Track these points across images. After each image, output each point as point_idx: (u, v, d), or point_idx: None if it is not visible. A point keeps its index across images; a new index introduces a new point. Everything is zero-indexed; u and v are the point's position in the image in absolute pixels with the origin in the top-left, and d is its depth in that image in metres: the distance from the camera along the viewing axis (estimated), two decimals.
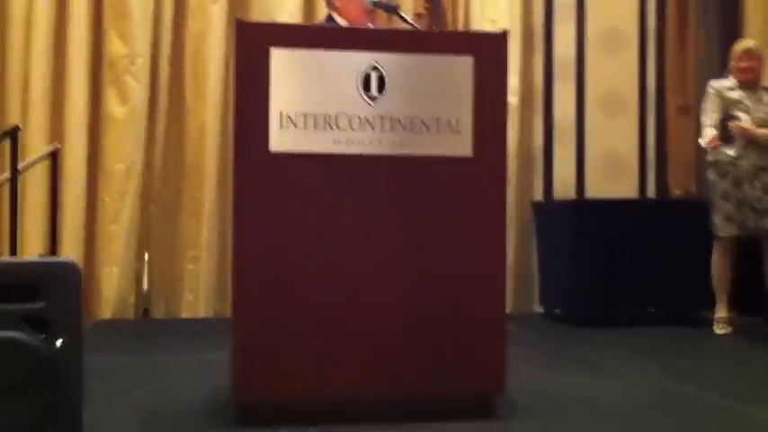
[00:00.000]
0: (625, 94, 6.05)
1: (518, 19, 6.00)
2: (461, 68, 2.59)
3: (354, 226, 2.56)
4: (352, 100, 2.55)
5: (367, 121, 2.55)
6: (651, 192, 6.05)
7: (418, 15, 5.89)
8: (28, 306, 2.19)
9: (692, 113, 5.74)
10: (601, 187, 5.92)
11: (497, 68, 2.62)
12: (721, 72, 5.06)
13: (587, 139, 5.94)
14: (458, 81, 2.59)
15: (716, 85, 4.80)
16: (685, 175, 5.99)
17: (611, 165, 6.04)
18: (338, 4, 3.32)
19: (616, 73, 6.02)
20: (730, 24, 5.90)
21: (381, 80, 2.55)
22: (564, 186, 5.95)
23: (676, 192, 5.98)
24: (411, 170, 2.59)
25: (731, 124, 4.62)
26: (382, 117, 2.56)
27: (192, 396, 2.98)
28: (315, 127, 2.53)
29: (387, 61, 2.55)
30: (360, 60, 2.54)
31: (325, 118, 2.54)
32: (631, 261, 5.21)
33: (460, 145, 2.59)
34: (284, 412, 2.48)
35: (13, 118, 5.17)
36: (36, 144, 5.15)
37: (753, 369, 3.84)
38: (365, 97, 2.55)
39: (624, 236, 5.25)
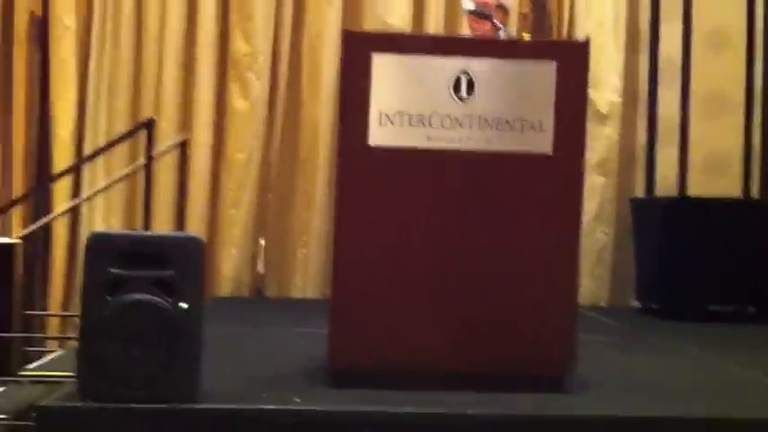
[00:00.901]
0: (730, 94, 6.06)
1: (623, 19, 6.10)
2: (545, 73, 2.82)
3: (443, 214, 2.83)
4: (444, 101, 2.82)
5: (457, 120, 2.83)
6: (755, 192, 6.05)
7: (524, 15, 6.09)
8: (159, 273, 2.57)
9: None
10: (704, 187, 5.94)
11: (578, 74, 2.85)
12: None
13: (691, 139, 5.99)
14: (541, 85, 2.82)
15: None
16: None
17: (715, 164, 6.08)
18: None
19: (722, 73, 6.04)
20: None
21: (470, 83, 2.81)
22: (666, 184, 6.01)
23: None
24: (497, 165, 2.84)
25: None
26: (471, 116, 2.82)
27: (293, 361, 3.33)
28: (410, 124, 2.82)
29: (476, 66, 2.82)
30: (451, 65, 2.81)
31: (419, 117, 2.82)
32: (730, 259, 5.23)
33: (542, 143, 2.83)
34: (370, 377, 2.78)
35: (148, 110, 5.69)
36: (168, 134, 5.62)
37: None
38: (456, 98, 2.82)
39: (724, 234, 5.26)
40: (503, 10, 3.55)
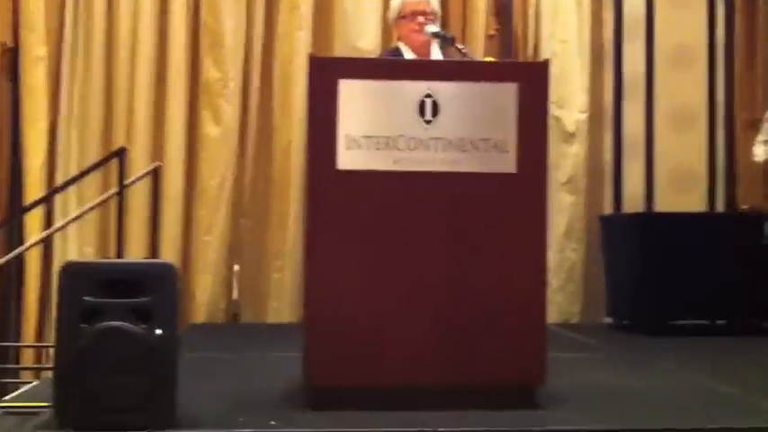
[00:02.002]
0: (694, 109, 6.22)
1: (587, 37, 6.22)
2: (507, 94, 2.90)
3: (411, 234, 2.89)
4: (410, 124, 2.89)
5: (423, 142, 2.89)
6: (720, 206, 6.18)
7: (491, 37, 6.21)
8: (134, 300, 2.60)
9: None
10: (670, 201, 6.08)
11: (540, 93, 2.93)
12: None
13: (656, 154, 6.11)
14: (504, 106, 2.90)
15: None
16: (754, 189, 6.08)
17: (680, 179, 6.20)
18: (403, 34, 3.67)
19: (685, 88, 6.20)
20: None
21: (435, 106, 2.89)
22: (633, 200, 6.13)
23: (744, 206, 6.07)
24: (462, 185, 2.91)
25: None
26: (436, 138, 2.89)
27: (270, 384, 3.36)
28: (377, 148, 2.88)
29: (439, 89, 2.89)
30: (416, 88, 2.88)
31: (386, 140, 2.89)
32: (700, 273, 5.30)
33: (506, 162, 2.90)
34: (345, 397, 2.83)
35: (120, 138, 5.72)
36: (140, 161, 5.66)
37: None
38: (421, 121, 2.89)
39: (692, 248, 5.33)
40: (437, 19, 3.65)
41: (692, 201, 6.13)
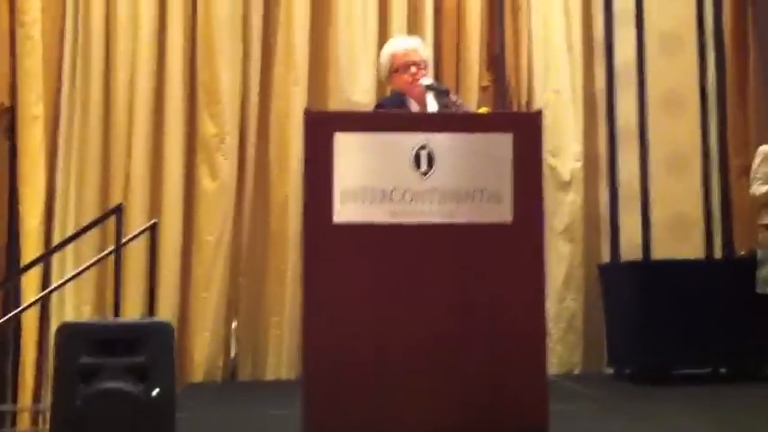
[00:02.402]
0: (688, 155, 6.24)
1: (580, 87, 6.28)
2: (502, 144, 2.92)
3: (409, 286, 2.88)
4: (405, 176, 2.90)
5: (419, 194, 2.90)
6: (718, 252, 6.17)
7: (484, 88, 6.27)
8: (130, 359, 2.59)
9: None
10: (668, 248, 6.06)
11: (533, 143, 2.95)
12: None
13: (652, 201, 6.12)
14: (499, 156, 2.92)
15: None
16: (749, 235, 6.07)
17: (677, 226, 6.20)
18: (400, 88, 3.69)
19: (678, 135, 6.23)
20: None
21: (430, 157, 2.90)
22: (631, 248, 6.11)
23: (741, 252, 6.07)
24: (458, 236, 2.91)
25: None
26: (432, 190, 2.90)
27: None
28: (372, 201, 2.89)
29: (434, 140, 2.90)
30: (410, 140, 2.90)
31: (382, 192, 2.90)
32: (700, 321, 5.28)
33: (502, 213, 2.90)
34: None
35: (117, 194, 5.72)
36: (137, 218, 5.65)
37: None
38: (417, 173, 2.90)
39: (691, 296, 5.32)
40: (427, 67, 3.69)
41: (690, 247, 6.12)
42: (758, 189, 4.84)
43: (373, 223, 2.88)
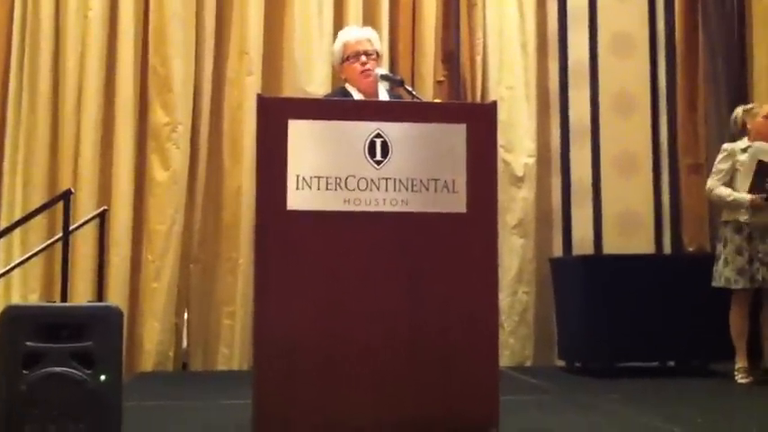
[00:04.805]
0: (639, 153, 6.34)
1: (533, 84, 6.34)
2: (456, 135, 2.93)
3: (361, 275, 2.88)
4: (359, 164, 2.90)
5: (373, 182, 2.90)
6: (667, 248, 6.28)
7: (439, 83, 6.29)
8: (76, 345, 2.54)
9: (703, 172, 6.00)
10: (618, 244, 6.15)
11: (488, 134, 2.97)
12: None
13: (604, 198, 6.20)
14: (453, 146, 2.93)
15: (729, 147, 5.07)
16: (698, 231, 6.20)
17: (627, 222, 6.30)
18: (349, 77, 3.70)
19: (629, 134, 6.33)
20: (738, 86, 6.19)
21: (385, 146, 2.90)
22: (583, 244, 6.19)
23: (690, 248, 6.18)
24: (412, 225, 2.92)
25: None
26: (386, 179, 2.90)
27: None
28: (327, 188, 2.88)
29: (389, 129, 2.91)
30: (365, 129, 2.90)
31: (336, 180, 2.89)
32: (648, 315, 5.37)
33: (456, 202, 2.92)
34: None
35: (66, 182, 5.62)
36: (86, 206, 5.57)
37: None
38: (371, 161, 2.90)
39: (641, 290, 5.42)
40: (380, 58, 3.72)
41: (640, 243, 6.22)
42: (715, 185, 4.97)
43: (327, 211, 2.88)
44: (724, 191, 5.00)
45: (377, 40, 3.77)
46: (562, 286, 5.92)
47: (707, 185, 5.12)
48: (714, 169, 5.10)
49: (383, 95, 3.59)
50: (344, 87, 3.71)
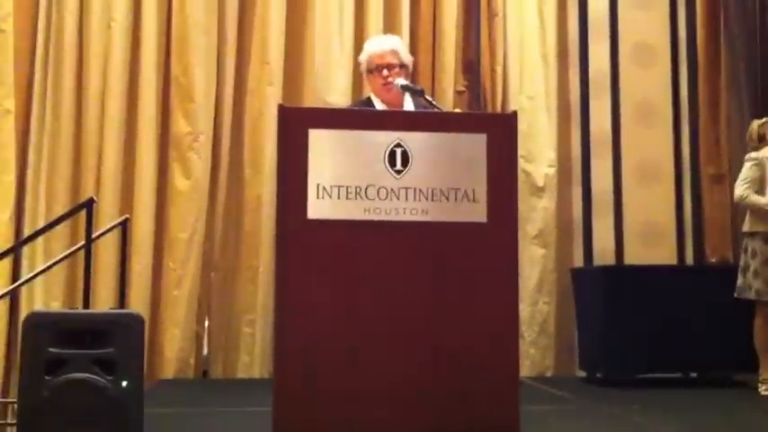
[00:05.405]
0: (660, 164, 6.30)
1: (554, 95, 6.33)
2: (476, 145, 2.93)
3: (382, 285, 2.88)
4: (379, 173, 2.90)
5: (393, 192, 2.90)
6: (689, 259, 6.24)
7: (460, 93, 6.30)
8: (98, 351, 2.56)
9: (726, 182, 5.96)
10: (640, 255, 6.12)
11: (508, 144, 2.96)
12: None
13: (625, 208, 6.17)
14: (473, 156, 2.92)
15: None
16: (721, 242, 6.15)
17: (649, 233, 6.26)
18: (372, 88, 3.71)
19: (651, 144, 6.29)
20: (760, 95, 6.14)
21: (405, 156, 2.90)
22: (604, 254, 6.16)
23: (713, 259, 6.13)
24: (432, 235, 2.91)
25: None
26: (407, 188, 2.91)
27: None
28: (347, 197, 2.88)
29: (409, 139, 2.91)
30: (385, 138, 2.90)
31: (356, 189, 2.89)
32: (670, 326, 5.33)
33: (476, 212, 2.91)
34: None
35: (88, 190, 5.67)
36: (109, 214, 5.61)
37: None
38: (391, 171, 2.90)
39: (662, 301, 5.37)
40: (406, 69, 3.71)
41: (661, 254, 6.18)
42: (748, 193, 4.90)
43: (347, 220, 2.88)
44: (761, 198, 4.92)
45: (402, 49, 3.74)
46: (583, 297, 5.88)
47: (736, 194, 5.02)
48: (742, 176, 5.01)
49: (408, 106, 3.60)
50: (369, 98, 3.72)
